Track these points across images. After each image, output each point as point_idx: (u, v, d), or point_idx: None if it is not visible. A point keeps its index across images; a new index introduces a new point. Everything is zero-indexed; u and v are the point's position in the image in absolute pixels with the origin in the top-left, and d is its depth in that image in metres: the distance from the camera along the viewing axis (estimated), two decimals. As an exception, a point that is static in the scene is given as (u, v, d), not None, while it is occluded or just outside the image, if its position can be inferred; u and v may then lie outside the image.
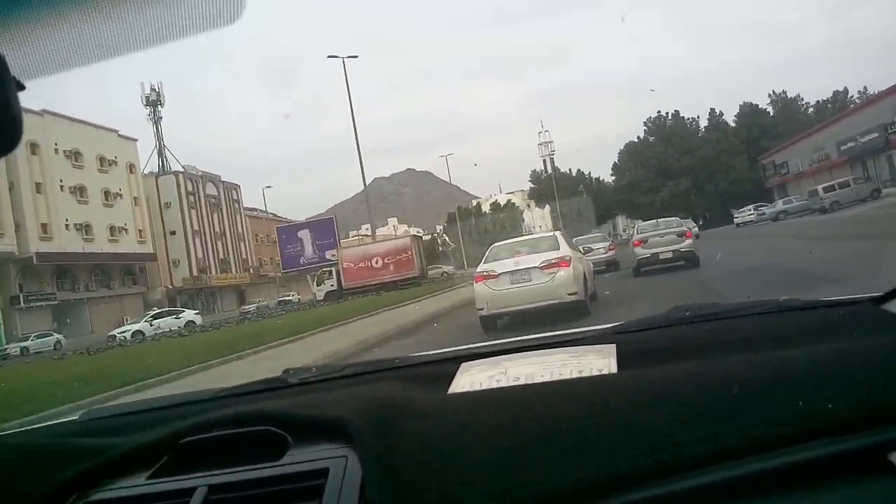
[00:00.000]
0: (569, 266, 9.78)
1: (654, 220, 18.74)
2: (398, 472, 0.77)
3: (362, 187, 45.26)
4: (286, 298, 53.75)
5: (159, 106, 68.73)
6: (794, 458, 0.70)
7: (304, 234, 50.61)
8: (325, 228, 52.48)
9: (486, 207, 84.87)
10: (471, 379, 1.11)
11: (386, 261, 42.50)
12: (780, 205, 43.26)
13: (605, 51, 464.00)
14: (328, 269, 45.41)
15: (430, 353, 1.46)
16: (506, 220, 75.79)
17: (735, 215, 48.48)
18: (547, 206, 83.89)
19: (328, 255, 46.02)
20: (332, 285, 43.15)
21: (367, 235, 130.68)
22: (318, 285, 44.80)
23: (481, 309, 9.96)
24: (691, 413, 0.78)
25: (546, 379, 1.02)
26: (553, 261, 9.82)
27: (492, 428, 0.82)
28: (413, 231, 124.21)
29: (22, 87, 0.66)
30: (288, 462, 0.87)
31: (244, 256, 72.43)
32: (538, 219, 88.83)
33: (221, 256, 67.79)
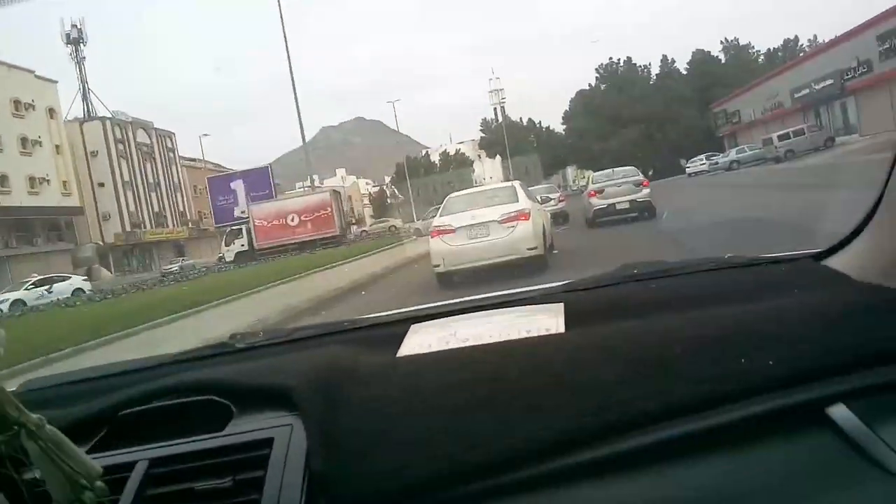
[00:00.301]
0: (528, 220, 9.43)
1: (610, 170, 18.11)
2: (343, 439, 0.77)
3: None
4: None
5: (81, 45, 63.22)
6: (737, 414, 0.72)
7: (238, 185, 45.91)
8: (261, 179, 47.54)
9: (435, 158, 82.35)
10: (420, 340, 1.11)
11: (303, 218, 39.51)
12: (733, 154, 42.44)
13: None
14: (238, 227, 41.93)
15: (380, 314, 1.44)
16: (455, 172, 73.72)
17: (687, 165, 47.81)
18: (498, 157, 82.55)
19: (237, 211, 42.19)
20: (242, 245, 39.83)
21: (315, 186, 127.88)
22: (226, 245, 41.25)
23: (437, 265, 9.66)
24: (636, 371, 0.79)
25: (494, 340, 1.03)
26: (512, 214, 9.45)
27: (440, 390, 0.83)
28: (363, 182, 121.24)
29: None
30: (232, 432, 0.86)
31: (181, 209, 68.60)
32: (489, 170, 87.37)
33: (156, 209, 63.87)
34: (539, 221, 9.95)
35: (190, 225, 68.16)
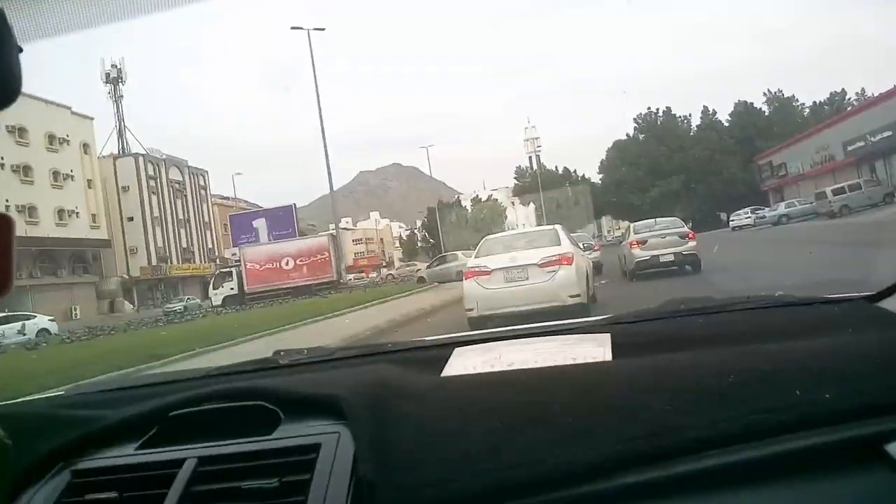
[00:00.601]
0: (571, 264, 8.73)
1: (651, 220, 17.08)
2: (391, 450, 0.77)
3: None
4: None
5: (120, 84, 64.17)
6: (790, 446, 0.71)
7: (260, 224, 42.96)
8: (284, 217, 44.33)
9: (467, 203, 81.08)
10: (465, 363, 1.11)
11: (298, 262, 37.74)
12: (782, 207, 39.90)
13: (596, 50, 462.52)
14: (228, 269, 39.98)
15: (424, 339, 1.46)
16: (487, 216, 72.17)
17: (731, 218, 45.34)
18: (532, 204, 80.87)
19: (228, 253, 39.94)
20: (232, 289, 37.74)
21: (346, 229, 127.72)
22: (214, 288, 39.04)
23: (471, 309, 9.00)
24: (688, 400, 0.78)
25: (539, 365, 1.02)
26: (554, 258, 8.76)
27: (486, 409, 0.82)
28: (396, 225, 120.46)
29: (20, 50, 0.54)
30: (279, 437, 0.87)
31: (210, 246, 68.20)
32: (521, 217, 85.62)
33: (184, 245, 63.52)
34: (583, 267, 9.25)
35: (218, 262, 67.60)
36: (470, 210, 77.02)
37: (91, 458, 0.91)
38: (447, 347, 1.21)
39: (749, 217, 42.57)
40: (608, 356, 1.01)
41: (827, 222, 30.85)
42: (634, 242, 15.19)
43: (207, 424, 0.90)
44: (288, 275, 37.23)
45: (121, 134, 64.57)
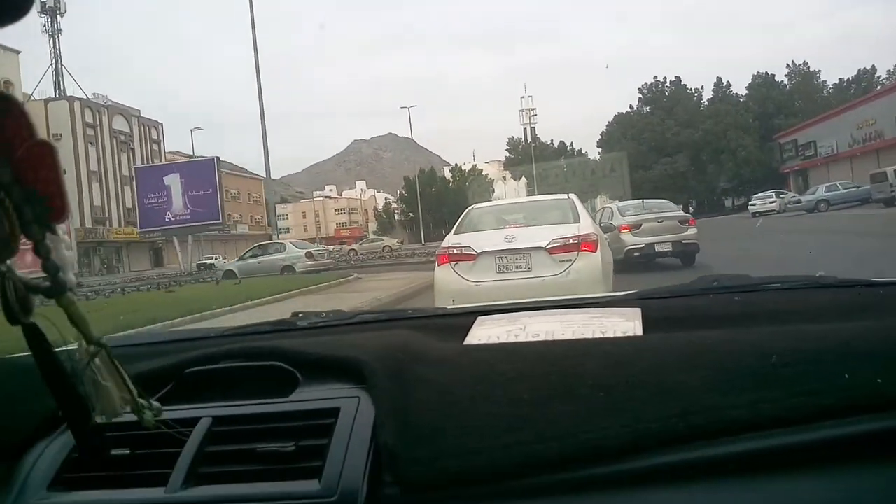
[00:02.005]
0: (595, 251, 5.87)
1: (638, 201, 15.07)
2: (413, 416, 0.75)
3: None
4: (207, 262, 40.12)
5: (59, 15, 56.45)
6: (834, 432, 0.67)
7: (173, 180, 32.42)
8: (202, 172, 33.22)
9: (447, 173, 73.94)
10: (487, 332, 1.06)
11: None
12: (821, 191, 33.03)
13: (597, 26, 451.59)
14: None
15: (445, 307, 1.43)
16: (473, 188, 65.15)
17: (752, 202, 38.77)
18: (523, 179, 74.46)
19: (169, 215, 30.26)
20: None
21: (328, 197, 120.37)
22: None
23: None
24: (725, 379, 0.74)
25: (567, 337, 0.99)
26: (570, 241, 5.85)
27: (512, 379, 0.79)
28: (383, 196, 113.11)
29: None
30: (297, 399, 0.85)
31: (161, 208, 61.10)
32: (511, 192, 79.01)
33: (129, 206, 56.34)
34: (608, 257, 6.30)
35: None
36: (450, 181, 69.81)
37: None
38: (470, 316, 1.16)
39: (774, 202, 35.97)
40: (639, 331, 0.97)
41: (882, 210, 24.29)
42: (625, 226, 12.66)
43: (223, 384, 0.89)
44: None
45: (58, 74, 57.13)
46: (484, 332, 1.05)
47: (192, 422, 0.82)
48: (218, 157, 35.02)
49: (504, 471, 0.69)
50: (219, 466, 0.79)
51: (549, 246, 5.90)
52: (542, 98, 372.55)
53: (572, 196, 7.21)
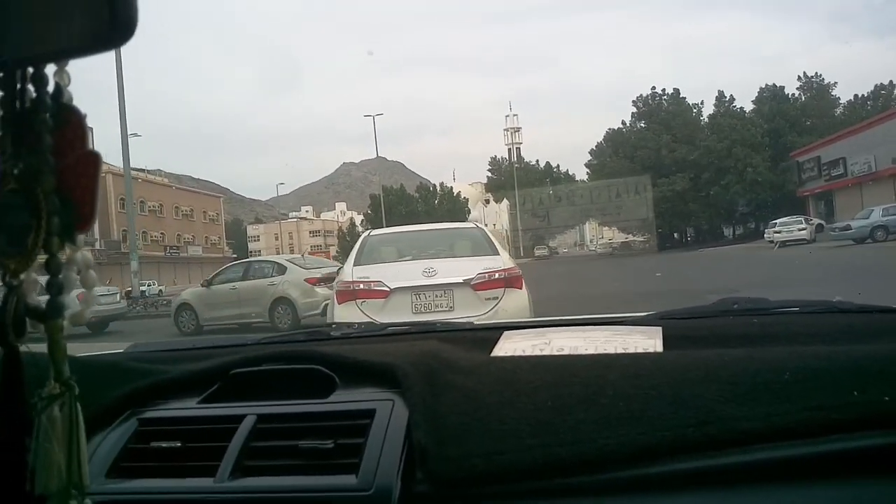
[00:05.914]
0: (522, 288, 5.65)
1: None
2: (443, 418, 0.80)
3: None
4: (143, 289, 29.40)
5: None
6: (844, 445, 0.70)
7: None
8: None
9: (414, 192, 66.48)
10: (514, 346, 1.11)
11: None
12: (876, 214, 25.85)
13: (590, 57, 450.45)
14: None
15: (472, 322, 1.53)
16: (441, 209, 57.89)
17: (773, 229, 31.74)
18: (505, 201, 67.82)
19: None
20: None
21: (303, 219, 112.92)
22: None
23: None
24: (740, 392, 0.77)
25: (590, 352, 1.03)
26: (496, 276, 5.52)
27: (536, 387, 0.84)
28: (360, 217, 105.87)
29: None
30: (335, 400, 0.91)
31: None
32: (491, 216, 72.06)
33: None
34: (530, 296, 5.90)
35: (98, 244, 52.88)
36: (418, 200, 62.39)
37: (156, 409, 0.96)
38: (496, 330, 1.22)
39: (804, 228, 28.70)
40: (660, 348, 1.01)
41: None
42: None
43: (265, 385, 0.95)
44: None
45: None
46: (510, 346, 1.10)
47: (238, 419, 0.88)
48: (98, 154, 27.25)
49: (526, 471, 0.73)
50: (263, 460, 0.84)
51: (475, 282, 5.48)
52: (528, 118, 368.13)
53: (479, 225, 7.36)
